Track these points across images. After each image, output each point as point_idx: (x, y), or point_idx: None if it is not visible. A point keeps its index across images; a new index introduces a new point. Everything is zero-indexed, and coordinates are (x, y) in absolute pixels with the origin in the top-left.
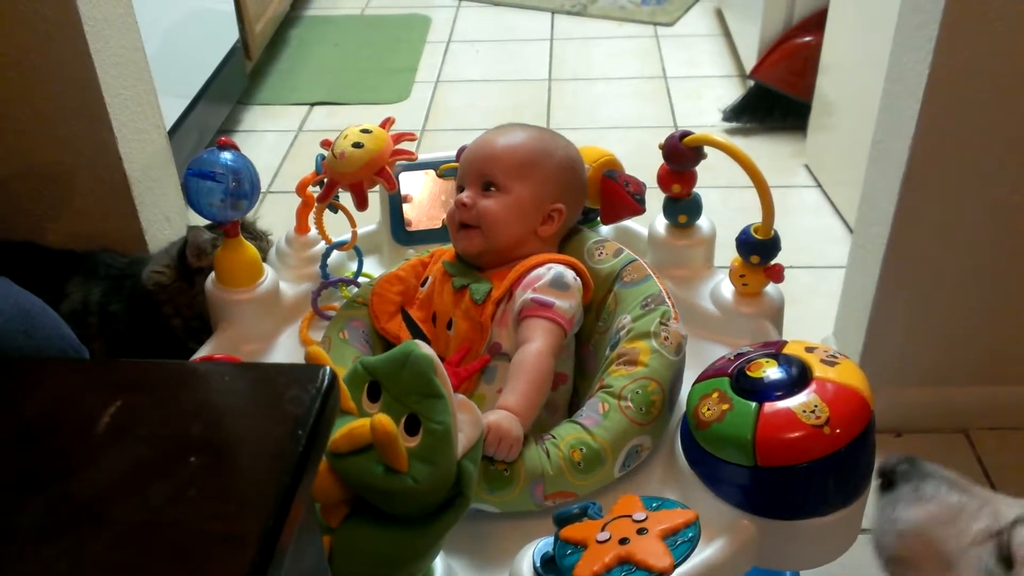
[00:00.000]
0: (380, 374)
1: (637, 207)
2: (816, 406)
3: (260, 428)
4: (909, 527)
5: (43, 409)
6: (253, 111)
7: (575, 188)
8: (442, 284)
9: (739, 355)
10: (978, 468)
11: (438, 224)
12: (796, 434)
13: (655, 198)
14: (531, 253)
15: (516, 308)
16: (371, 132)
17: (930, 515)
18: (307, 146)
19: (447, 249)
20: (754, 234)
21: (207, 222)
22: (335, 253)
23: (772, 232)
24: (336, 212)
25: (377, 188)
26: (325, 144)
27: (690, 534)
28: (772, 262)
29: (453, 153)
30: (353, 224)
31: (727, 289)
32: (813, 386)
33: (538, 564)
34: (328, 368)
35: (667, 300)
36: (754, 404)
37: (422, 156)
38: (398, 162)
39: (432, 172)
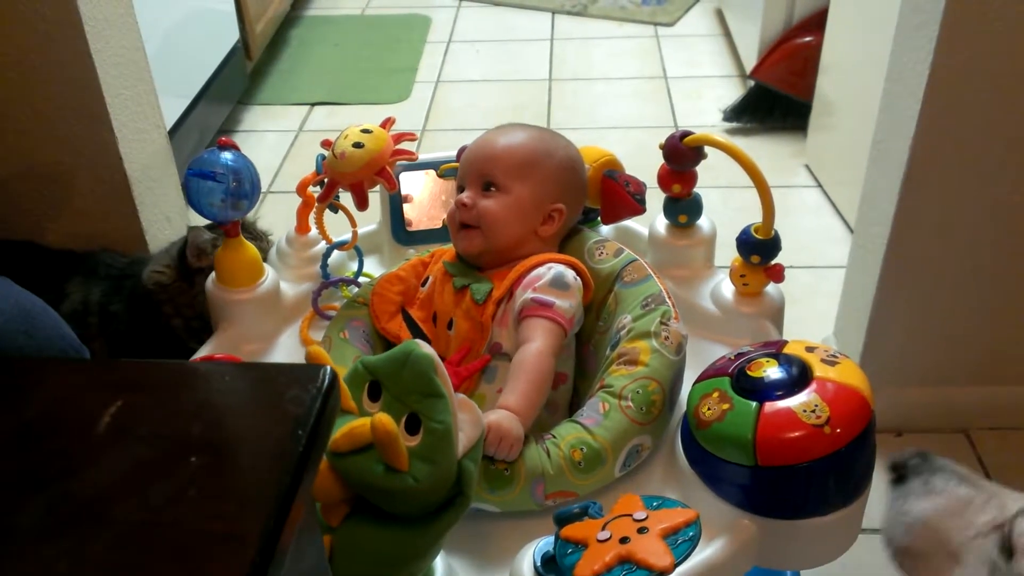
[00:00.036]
0: (381, 373)
1: (637, 207)
2: (816, 406)
3: (260, 428)
4: (917, 519)
5: (44, 409)
6: (253, 111)
7: (575, 188)
8: (443, 284)
9: (739, 355)
10: (978, 468)
11: (438, 224)
12: (796, 434)
13: (655, 198)
14: (531, 253)
15: (516, 308)
16: (372, 132)
17: (938, 507)
18: (307, 146)
19: (447, 249)
20: (754, 234)
21: (207, 222)
22: (335, 253)
23: (772, 232)
24: (336, 212)
25: (377, 188)
26: (326, 144)
27: (691, 533)
28: (772, 262)
29: (453, 153)
30: (353, 224)
31: (727, 289)
32: (813, 386)
33: (539, 563)
34: (328, 368)
35: (667, 300)
36: (754, 404)
37: (422, 156)
38: (398, 162)
39: (432, 172)
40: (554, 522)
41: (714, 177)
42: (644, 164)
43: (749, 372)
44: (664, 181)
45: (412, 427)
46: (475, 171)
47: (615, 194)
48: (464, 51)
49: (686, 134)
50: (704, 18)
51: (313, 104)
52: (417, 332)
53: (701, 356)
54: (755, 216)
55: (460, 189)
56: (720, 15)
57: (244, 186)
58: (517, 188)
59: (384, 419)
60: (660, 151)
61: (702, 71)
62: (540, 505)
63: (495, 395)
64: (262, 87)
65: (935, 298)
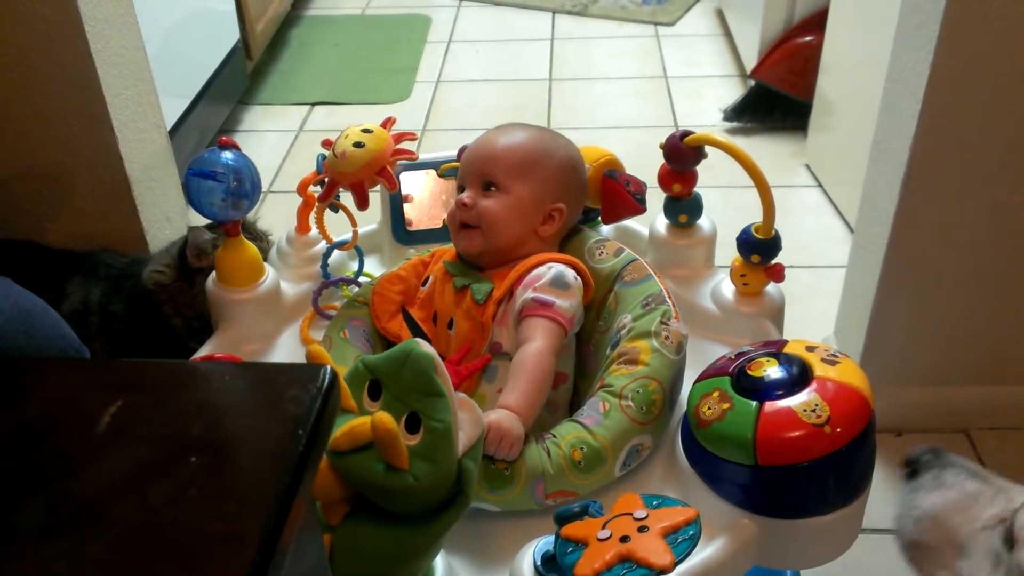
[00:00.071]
0: (381, 372)
1: (638, 207)
2: (817, 405)
3: (260, 428)
4: (927, 512)
5: (44, 409)
6: (254, 111)
7: (575, 188)
8: (443, 284)
9: (740, 354)
10: None
11: (439, 224)
12: (797, 433)
13: (656, 198)
14: (532, 253)
15: (517, 307)
16: (372, 132)
17: (947, 501)
18: (308, 146)
19: (448, 249)
20: (755, 234)
21: (208, 221)
22: (336, 253)
23: (773, 232)
24: (337, 212)
25: (378, 188)
26: (326, 144)
27: (691, 532)
28: (773, 262)
29: (454, 153)
30: (354, 224)
31: (728, 289)
32: (814, 385)
33: (539, 563)
34: (328, 368)
35: (668, 299)
36: (755, 403)
37: (423, 156)
38: (399, 162)
39: (433, 172)
40: (554, 521)
41: (714, 177)
42: (644, 164)
43: (749, 371)
44: (664, 181)
45: (412, 426)
46: (475, 171)
47: (615, 194)
48: (464, 51)
49: (686, 134)
50: (704, 18)
51: (313, 104)
52: (417, 332)
53: (701, 356)
54: (755, 216)
55: (460, 189)
56: (720, 15)
57: (244, 185)
58: (517, 188)
59: (384, 418)
60: (660, 151)
61: (702, 71)
62: (540, 504)
63: (495, 395)
64: (262, 87)
65: (935, 298)
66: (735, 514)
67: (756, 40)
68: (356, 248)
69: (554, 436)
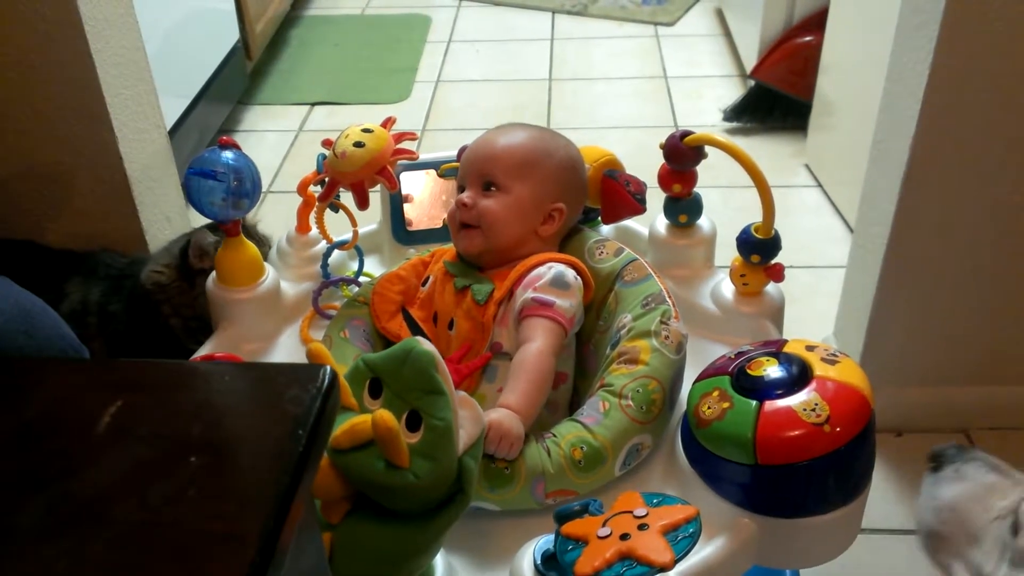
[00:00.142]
0: (381, 371)
1: (638, 207)
2: (816, 404)
3: (260, 428)
4: (945, 503)
5: (43, 409)
6: (253, 111)
7: (575, 188)
8: (443, 284)
9: (740, 354)
10: None
11: (439, 224)
12: (796, 432)
13: (655, 198)
14: (532, 253)
15: (517, 307)
16: (372, 131)
17: (964, 492)
18: (307, 146)
19: (448, 249)
20: (755, 233)
21: (208, 221)
22: (336, 252)
23: (772, 231)
24: (337, 211)
25: (378, 187)
26: (326, 143)
27: (691, 530)
28: (772, 261)
29: (454, 153)
30: (354, 223)
31: (727, 288)
32: (813, 384)
33: (539, 561)
34: (328, 368)
35: (667, 299)
36: (754, 402)
37: (423, 156)
38: (399, 161)
39: (433, 172)
40: (554, 519)
41: (714, 177)
42: (644, 164)
43: (749, 371)
44: (664, 181)
45: (413, 424)
46: (475, 171)
47: (615, 194)
48: (464, 51)
49: (686, 134)
50: (704, 18)
51: (313, 104)
52: (417, 332)
53: (701, 355)
54: (755, 216)
55: (460, 189)
56: (720, 15)
57: (245, 185)
58: (517, 188)
59: (385, 415)
60: (660, 151)
61: (702, 71)
62: (540, 504)
63: (495, 394)
64: (262, 87)
65: (935, 298)
66: (735, 513)
67: (756, 40)
68: (356, 248)
69: (554, 435)
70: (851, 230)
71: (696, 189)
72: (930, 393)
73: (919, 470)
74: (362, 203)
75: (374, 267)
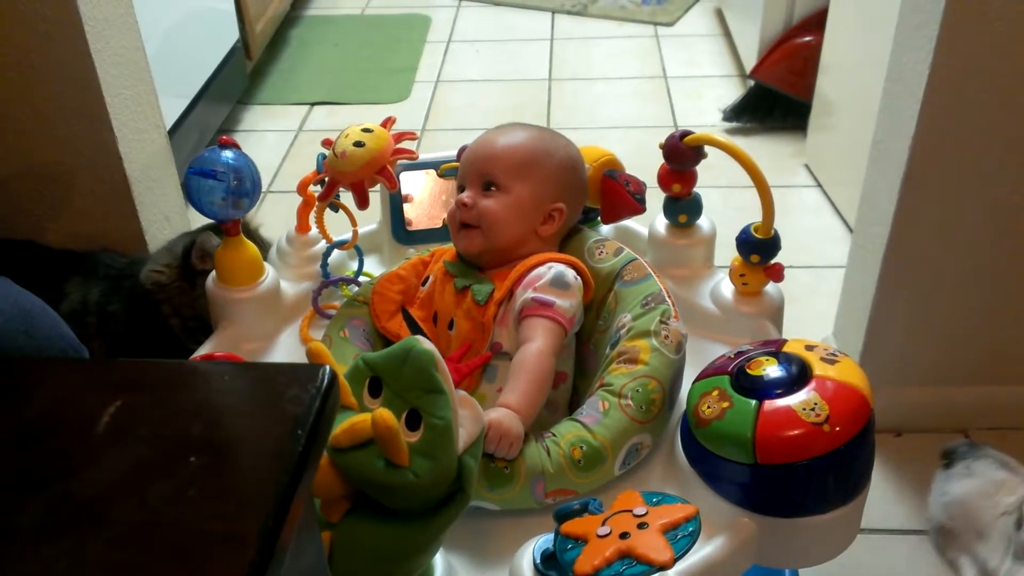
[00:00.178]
0: (381, 369)
1: (637, 207)
2: (816, 404)
3: (260, 428)
4: (954, 499)
5: (43, 409)
6: (253, 111)
7: (575, 187)
8: (443, 284)
9: (739, 353)
10: None
11: (438, 224)
12: (796, 432)
13: (655, 198)
14: (532, 252)
15: (517, 307)
16: (372, 131)
17: (973, 488)
18: (307, 146)
19: (448, 248)
20: (754, 233)
21: (208, 221)
22: (336, 252)
23: (772, 231)
24: (337, 211)
25: (378, 187)
26: (326, 143)
27: (690, 528)
28: (772, 261)
29: (454, 153)
30: (354, 223)
31: (727, 288)
32: (813, 384)
33: (538, 561)
34: (328, 367)
35: (667, 299)
36: (754, 402)
37: (422, 156)
38: (399, 161)
39: (433, 172)
40: (554, 518)
41: (714, 177)
42: (644, 164)
43: (749, 370)
44: (664, 181)
45: (412, 423)
46: (475, 171)
47: (615, 194)
48: (464, 51)
49: (686, 134)
50: (704, 18)
51: (313, 104)
52: (417, 331)
53: (701, 355)
54: (755, 216)
55: (460, 189)
56: (720, 15)
57: (245, 184)
58: (517, 188)
59: (385, 414)
60: (660, 151)
61: (702, 71)
62: (540, 503)
63: (495, 394)
64: (262, 87)
65: (935, 298)
66: (734, 513)
67: (756, 40)
68: (356, 248)
69: (554, 435)
70: (851, 230)
71: (696, 189)
72: (930, 393)
73: (919, 470)
74: (362, 203)
75: (374, 267)
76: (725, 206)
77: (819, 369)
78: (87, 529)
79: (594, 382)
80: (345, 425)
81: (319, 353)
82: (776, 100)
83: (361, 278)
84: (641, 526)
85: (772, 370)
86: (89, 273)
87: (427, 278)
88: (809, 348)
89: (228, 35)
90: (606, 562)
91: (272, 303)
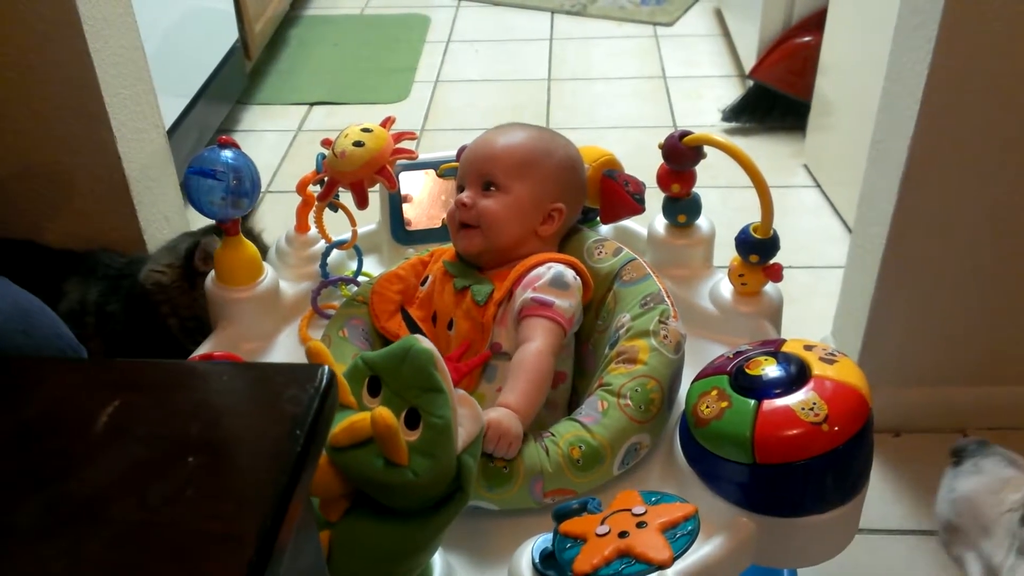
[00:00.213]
0: (380, 369)
1: (637, 207)
2: (815, 403)
3: (258, 428)
4: (961, 496)
5: (42, 408)
6: (253, 111)
7: (575, 187)
8: (443, 284)
9: (738, 353)
10: None
11: (438, 224)
12: (795, 431)
13: (654, 198)
14: (531, 253)
15: (516, 307)
16: (372, 131)
17: (980, 485)
18: (306, 146)
19: (447, 248)
20: (753, 233)
21: (210, 222)
22: (335, 252)
23: (771, 232)
24: (336, 211)
25: (377, 187)
26: (326, 143)
27: (689, 527)
28: (771, 261)
29: (453, 153)
30: (353, 223)
31: (726, 288)
32: (812, 384)
33: (537, 560)
34: (327, 367)
35: (666, 299)
36: (753, 402)
37: (422, 156)
38: (398, 161)
39: (432, 172)
40: (553, 518)
41: (713, 177)
42: (643, 164)
43: (747, 370)
44: (663, 181)
45: (412, 422)
46: (475, 171)
47: (614, 194)
48: (463, 51)
49: (685, 134)
50: (703, 18)
51: (312, 104)
52: (416, 331)
53: (700, 355)
54: (754, 216)
55: (460, 189)
56: (719, 15)
57: (244, 184)
58: (517, 188)
59: (384, 413)
60: (659, 151)
61: (701, 71)
62: (539, 503)
63: (495, 394)
64: (261, 87)
65: (934, 298)
66: (733, 512)
67: (755, 40)
68: (355, 247)
69: (553, 435)
70: (850, 230)
71: (695, 189)
72: (929, 393)
73: (917, 470)
74: (361, 203)
75: (373, 267)
76: (724, 206)
77: (818, 369)
78: (85, 528)
79: (593, 382)
80: (344, 424)
81: (318, 353)
82: (775, 100)
83: (360, 278)
84: (640, 525)
85: (771, 370)
86: (88, 273)
87: (426, 278)
88: (808, 348)
89: (227, 35)
90: (605, 561)
91: (271, 303)
